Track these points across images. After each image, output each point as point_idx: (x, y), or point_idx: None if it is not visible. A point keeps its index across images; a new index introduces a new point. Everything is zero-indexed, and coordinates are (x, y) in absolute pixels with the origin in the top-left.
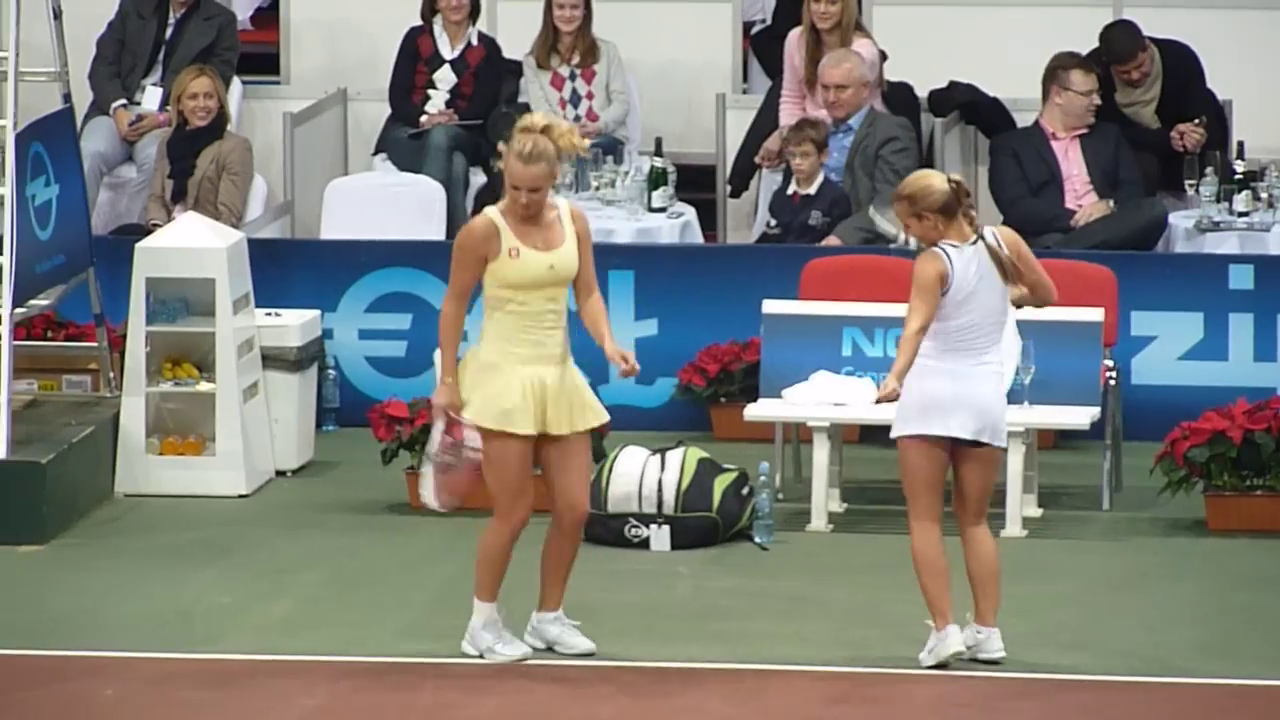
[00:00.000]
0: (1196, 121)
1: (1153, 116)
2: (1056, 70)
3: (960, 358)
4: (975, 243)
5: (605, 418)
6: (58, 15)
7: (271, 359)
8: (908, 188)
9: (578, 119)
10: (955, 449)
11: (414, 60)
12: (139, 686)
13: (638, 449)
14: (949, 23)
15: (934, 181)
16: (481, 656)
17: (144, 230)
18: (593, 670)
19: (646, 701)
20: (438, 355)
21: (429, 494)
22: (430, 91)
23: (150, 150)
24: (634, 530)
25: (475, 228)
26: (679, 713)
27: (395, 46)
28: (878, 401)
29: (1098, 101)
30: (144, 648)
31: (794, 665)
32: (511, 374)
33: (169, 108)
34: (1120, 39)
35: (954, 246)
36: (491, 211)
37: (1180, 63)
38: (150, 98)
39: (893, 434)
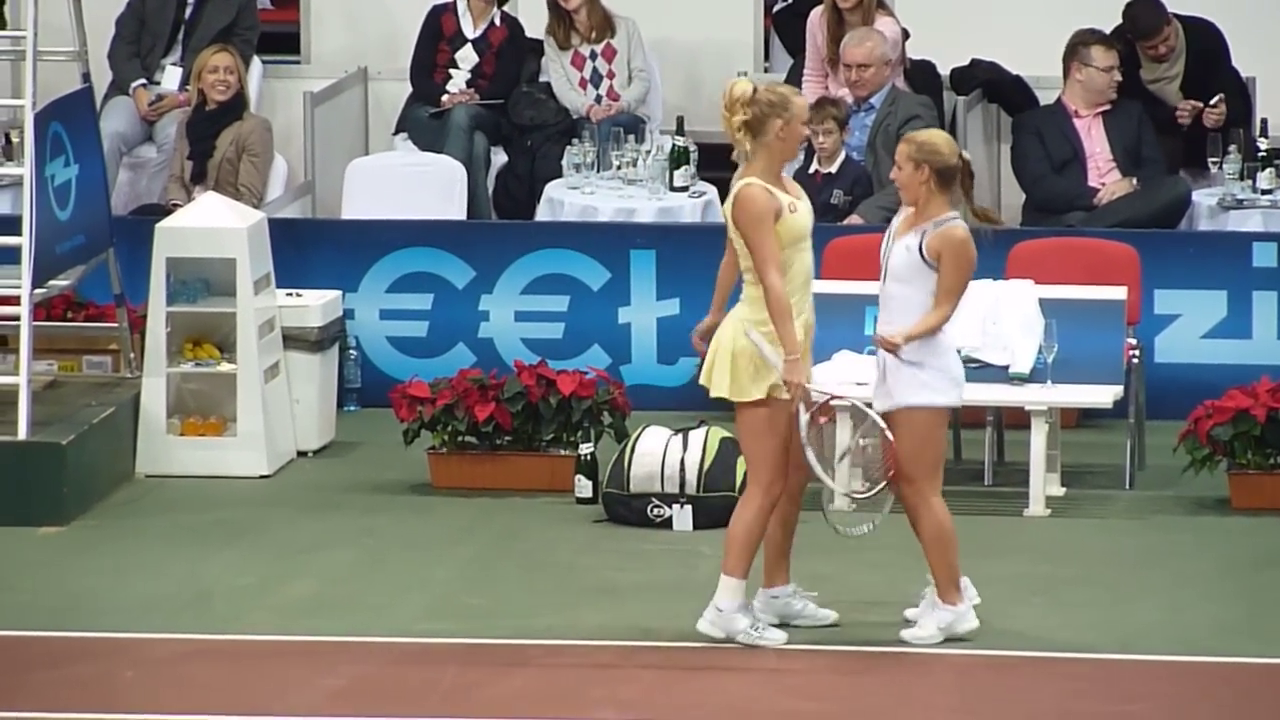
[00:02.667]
0: (1214, 101)
1: (1178, 93)
2: (1077, 47)
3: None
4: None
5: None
6: None
7: (293, 339)
8: (921, 134)
9: (599, 98)
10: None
11: (436, 39)
12: (159, 667)
13: (660, 429)
14: (971, 0)
15: (946, 144)
16: (729, 640)
17: (164, 210)
18: (615, 650)
19: (669, 681)
20: (755, 335)
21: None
22: (452, 71)
23: (170, 130)
24: (656, 510)
25: (756, 194)
26: (701, 692)
27: (417, 25)
28: (877, 340)
29: (1119, 78)
30: (164, 629)
31: (815, 644)
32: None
33: (189, 87)
34: (1145, 13)
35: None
36: (752, 179)
37: (1204, 39)
38: (170, 77)
39: (918, 401)
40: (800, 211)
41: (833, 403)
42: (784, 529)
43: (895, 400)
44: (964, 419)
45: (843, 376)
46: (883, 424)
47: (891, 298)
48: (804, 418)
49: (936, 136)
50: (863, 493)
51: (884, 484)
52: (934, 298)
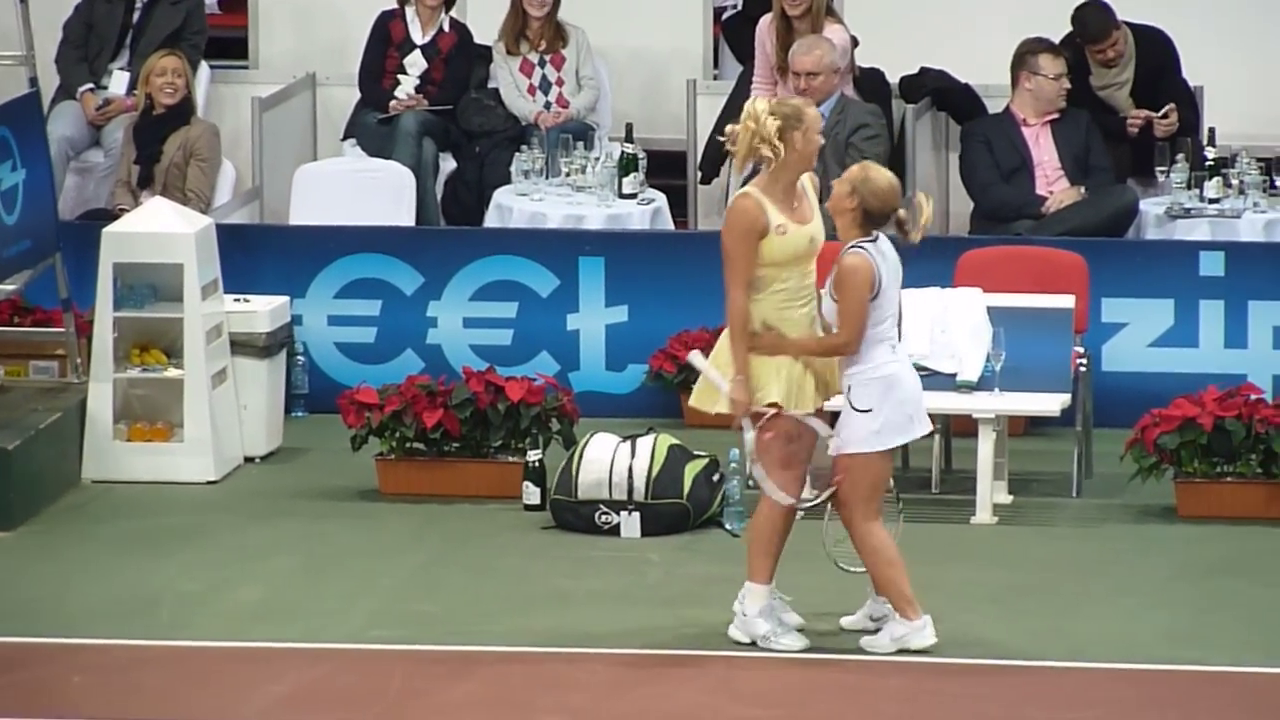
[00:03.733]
0: (1164, 111)
1: (1127, 100)
2: (1025, 56)
3: (900, 352)
4: (876, 239)
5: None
6: None
7: (240, 345)
8: (874, 170)
9: (548, 105)
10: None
11: (385, 45)
12: (106, 674)
13: (608, 436)
14: (920, 8)
15: (889, 190)
16: (754, 644)
17: (111, 215)
18: (564, 657)
19: (618, 689)
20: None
21: (778, 495)
22: (400, 77)
23: (117, 135)
24: (604, 517)
25: (748, 208)
26: (650, 700)
27: (366, 31)
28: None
29: (1067, 86)
30: (111, 634)
31: (764, 652)
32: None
33: (136, 92)
34: (1093, 18)
35: (871, 242)
36: (752, 191)
37: (1154, 47)
38: (117, 82)
39: (865, 450)
40: (791, 234)
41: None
42: (780, 532)
43: (843, 448)
44: None
45: None
46: (827, 432)
47: (828, 314)
48: (749, 434)
49: (883, 179)
50: (809, 502)
51: (830, 492)
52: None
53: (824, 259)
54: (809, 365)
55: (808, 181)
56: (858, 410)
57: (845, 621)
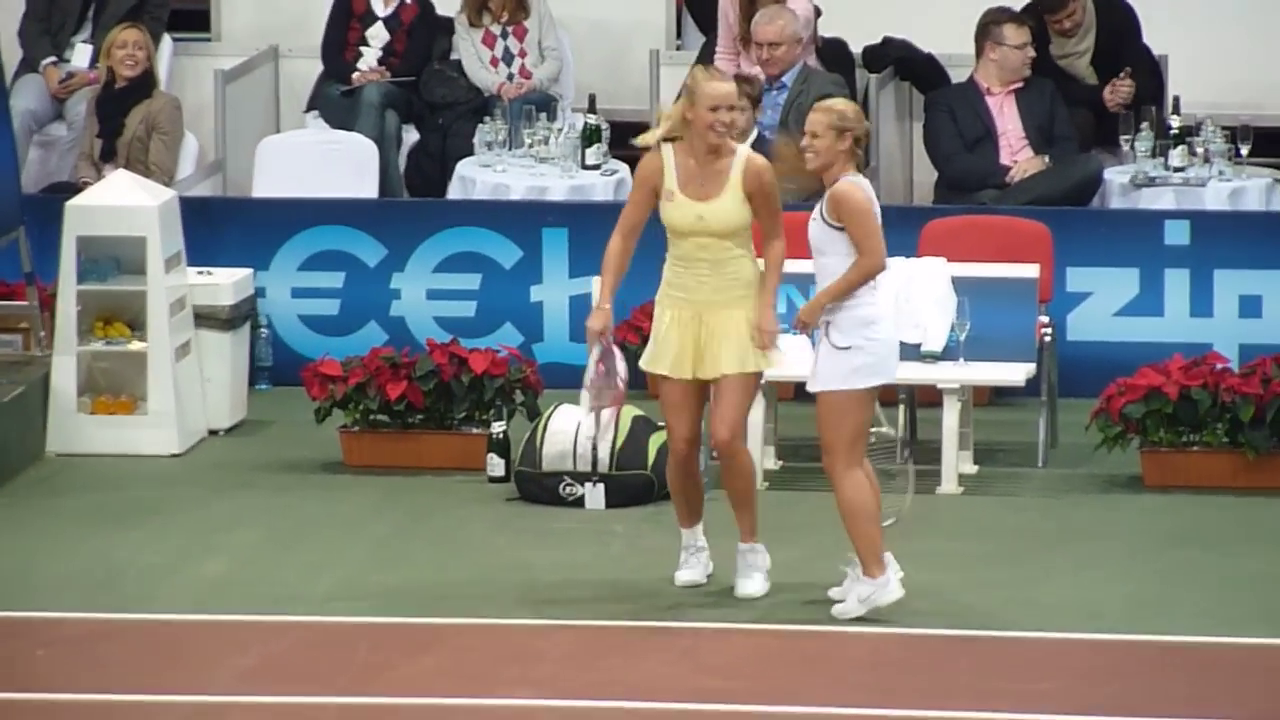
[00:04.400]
0: (1123, 75)
1: (1088, 69)
2: (989, 26)
3: (880, 293)
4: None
5: (757, 366)
6: None
7: (204, 318)
8: (837, 103)
9: (511, 77)
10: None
11: (347, 17)
12: (70, 647)
13: (572, 407)
14: None
15: (857, 112)
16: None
17: (74, 188)
18: (528, 629)
19: (582, 661)
20: (595, 281)
21: (584, 412)
22: (363, 49)
23: (81, 108)
24: (569, 488)
25: (648, 162)
26: (614, 671)
27: (328, 3)
28: (796, 324)
29: (1032, 54)
30: (75, 608)
31: (728, 623)
32: (665, 314)
33: (99, 65)
34: None
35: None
36: (667, 148)
37: (1114, 15)
38: (80, 55)
39: (848, 385)
40: (676, 203)
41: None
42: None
43: (820, 385)
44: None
45: None
46: (617, 355)
47: (819, 272)
48: (592, 359)
49: (849, 105)
50: (589, 407)
51: (608, 408)
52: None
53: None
54: (687, 335)
55: (741, 164)
56: (837, 348)
57: (834, 593)
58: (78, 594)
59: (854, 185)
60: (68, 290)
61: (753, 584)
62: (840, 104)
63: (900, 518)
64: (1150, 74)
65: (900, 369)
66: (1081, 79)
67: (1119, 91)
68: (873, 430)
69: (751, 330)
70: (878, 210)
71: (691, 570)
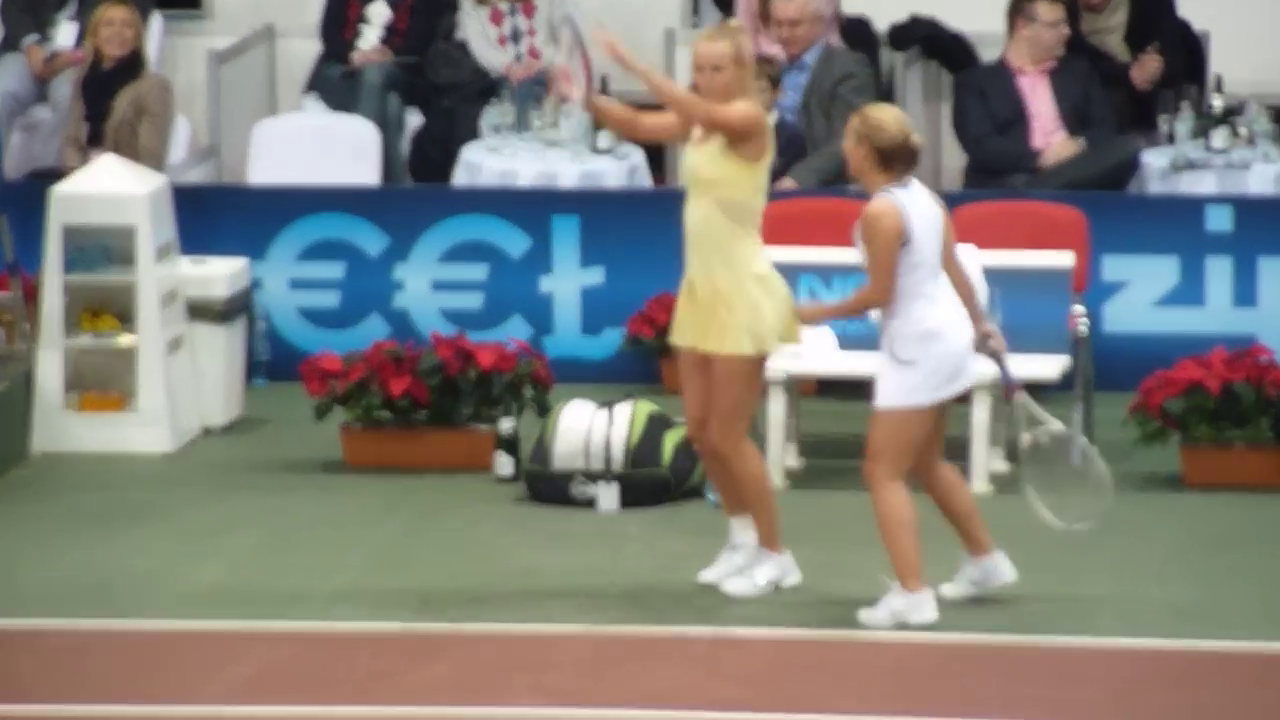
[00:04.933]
0: (1149, 49)
1: (1120, 45)
2: (1022, 3)
3: (952, 303)
4: (907, 185)
5: (722, 348)
6: None
7: (197, 310)
8: (872, 110)
9: (519, 57)
10: None
11: None
12: (57, 657)
13: (584, 403)
14: None
15: (893, 122)
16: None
17: (60, 174)
18: (538, 636)
19: (596, 669)
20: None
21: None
22: (363, 27)
23: (66, 90)
24: (581, 488)
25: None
26: (629, 679)
27: None
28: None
29: (1066, 32)
30: (62, 615)
31: (748, 628)
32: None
33: (85, 44)
34: None
35: (901, 188)
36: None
37: None
38: (65, 33)
39: (897, 404)
40: (687, 147)
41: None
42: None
43: (881, 401)
44: None
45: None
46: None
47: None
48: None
49: (885, 114)
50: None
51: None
52: None
53: (786, 214)
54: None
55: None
56: (899, 361)
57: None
58: (65, 601)
59: (882, 208)
60: (53, 281)
61: (736, 583)
62: (873, 111)
63: (1097, 517)
64: (1186, 50)
65: None
66: (1114, 56)
67: (1147, 67)
68: (1041, 430)
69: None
70: (913, 231)
71: (714, 568)
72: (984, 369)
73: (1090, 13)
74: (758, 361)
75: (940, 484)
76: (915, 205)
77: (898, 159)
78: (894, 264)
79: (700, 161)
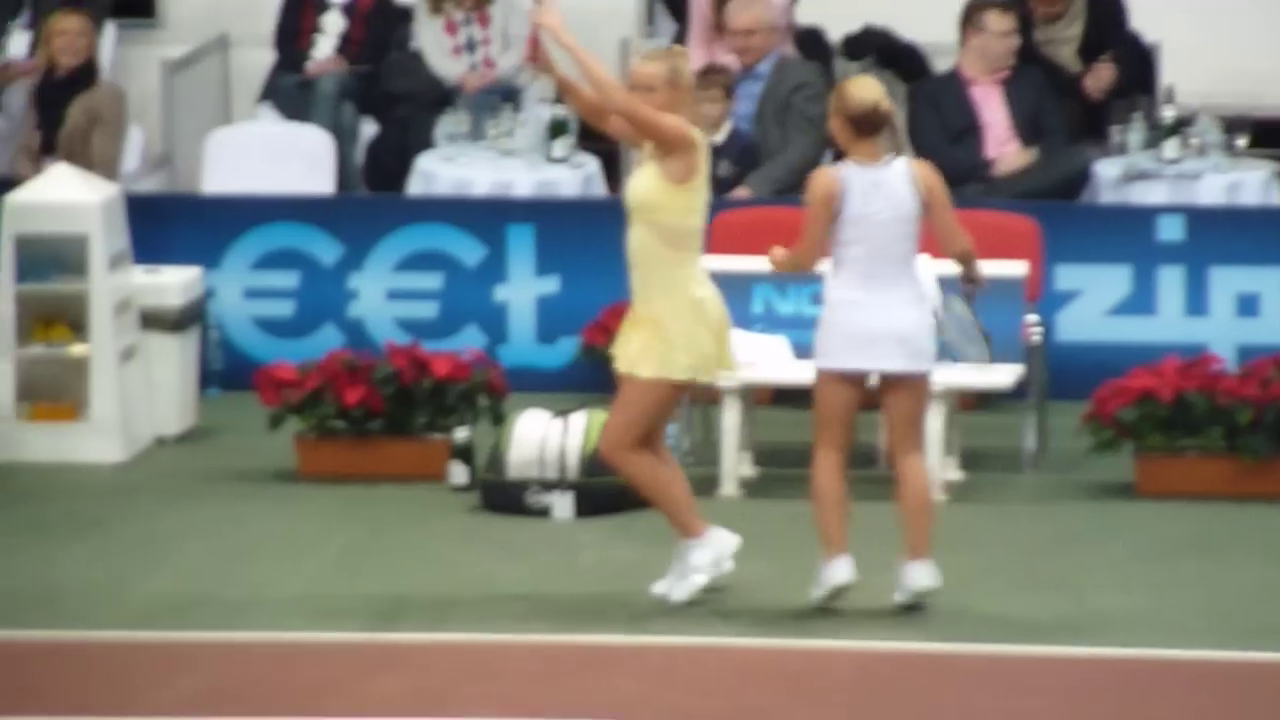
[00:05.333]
0: (1103, 58)
1: (1073, 57)
2: (972, 12)
3: (878, 288)
4: (887, 163)
5: (633, 371)
6: None
7: (150, 319)
8: (842, 87)
9: (474, 66)
10: (883, 380)
11: (301, 3)
12: (6, 668)
13: (539, 412)
14: None
15: (856, 90)
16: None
17: (12, 183)
18: (492, 646)
19: (549, 679)
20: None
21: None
22: (318, 36)
23: (19, 99)
24: (536, 497)
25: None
26: (584, 689)
27: None
28: None
29: (1017, 42)
30: (11, 626)
31: (705, 638)
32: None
33: (38, 53)
34: None
35: (857, 165)
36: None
37: (1103, 2)
38: (18, 42)
39: (818, 363)
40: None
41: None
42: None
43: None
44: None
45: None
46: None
47: None
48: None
49: (855, 83)
50: None
51: None
52: None
53: (740, 223)
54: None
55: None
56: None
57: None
58: (15, 611)
59: (820, 174)
60: (5, 291)
61: (678, 589)
62: (846, 83)
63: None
64: (1137, 61)
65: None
66: (1066, 67)
67: (1102, 76)
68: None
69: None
70: (849, 207)
71: (665, 580)
72: (942, 377)
73: (1047, 23)
74: (675, 388)
75: (897, 477)
76: (867, 184)
77: (865, 125)
78: (817, 229)
79: (634, 185)
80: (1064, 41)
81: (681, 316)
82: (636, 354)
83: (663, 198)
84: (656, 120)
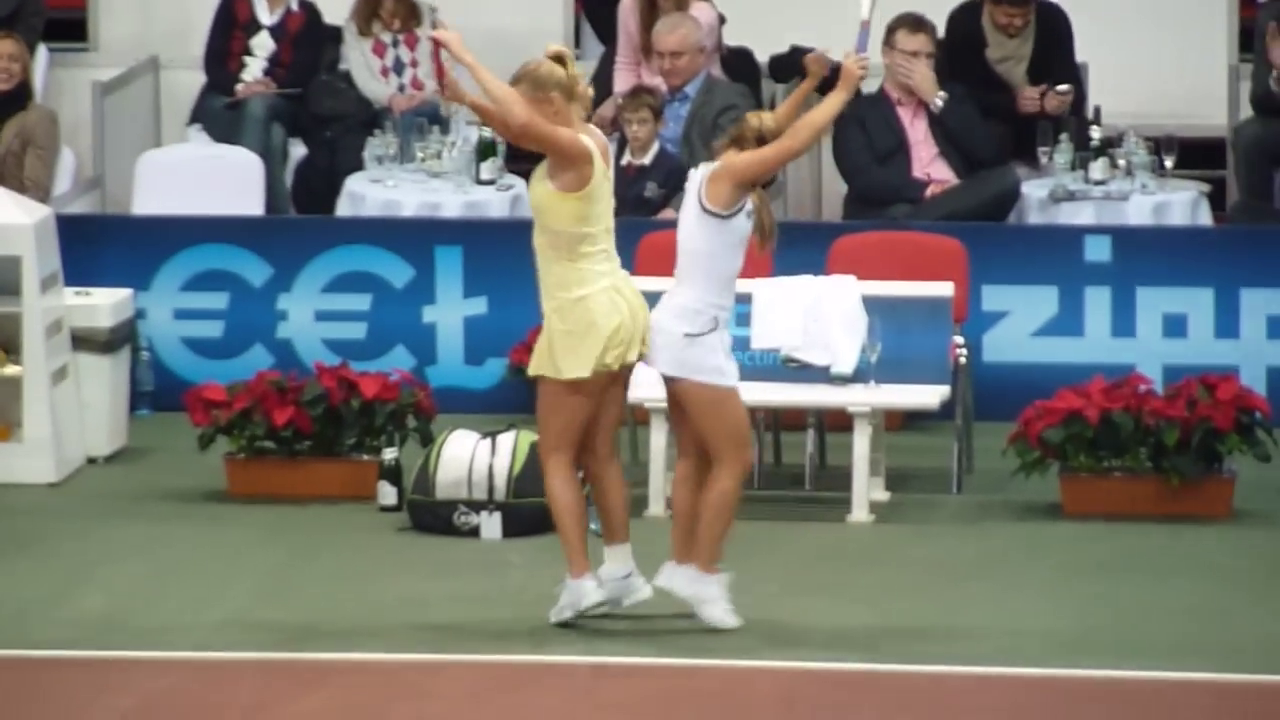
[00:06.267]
0: (1064, 89)
1: (1023, 77)
2: (888, 33)
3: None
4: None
5: (545, 371)
6: None
7: (82, 340)
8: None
9: (402, 88)
10: None
11: (230, 26)
12: None
13: (467, 433)
14: None
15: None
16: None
17: None
18: (421, 665)
19: (478, 698)
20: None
21: None
22: (247, 59)
23: None
24: (464, 518)
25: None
26: (511, 709)
27: (210, 12)
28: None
29: (924, 64)
30: None
31: (630, 658)
32: None
33: None
34: None
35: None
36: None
37: (1053, 23)
38: None
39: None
40: None
41: None
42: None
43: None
44: (784, 421)
45: (657, 378)
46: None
47: None
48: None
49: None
50: None
51: None
52: None
53: (667, 245)
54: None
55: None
56: None
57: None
58: None
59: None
60: None
61: (555, 611)
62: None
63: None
64: (1078, 85)
65: (808, 392)
66: (1015, 86)
67: (1051, 99)
68: None
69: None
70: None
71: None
72: (869, 397)
73: (1006, 37)
74: (566, 385)
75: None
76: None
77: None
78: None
79: (530, 190)
80: (1017, 60)
81: (566, 317)
82: (534, 357)
83: (551, 203)
84: (553, 135)
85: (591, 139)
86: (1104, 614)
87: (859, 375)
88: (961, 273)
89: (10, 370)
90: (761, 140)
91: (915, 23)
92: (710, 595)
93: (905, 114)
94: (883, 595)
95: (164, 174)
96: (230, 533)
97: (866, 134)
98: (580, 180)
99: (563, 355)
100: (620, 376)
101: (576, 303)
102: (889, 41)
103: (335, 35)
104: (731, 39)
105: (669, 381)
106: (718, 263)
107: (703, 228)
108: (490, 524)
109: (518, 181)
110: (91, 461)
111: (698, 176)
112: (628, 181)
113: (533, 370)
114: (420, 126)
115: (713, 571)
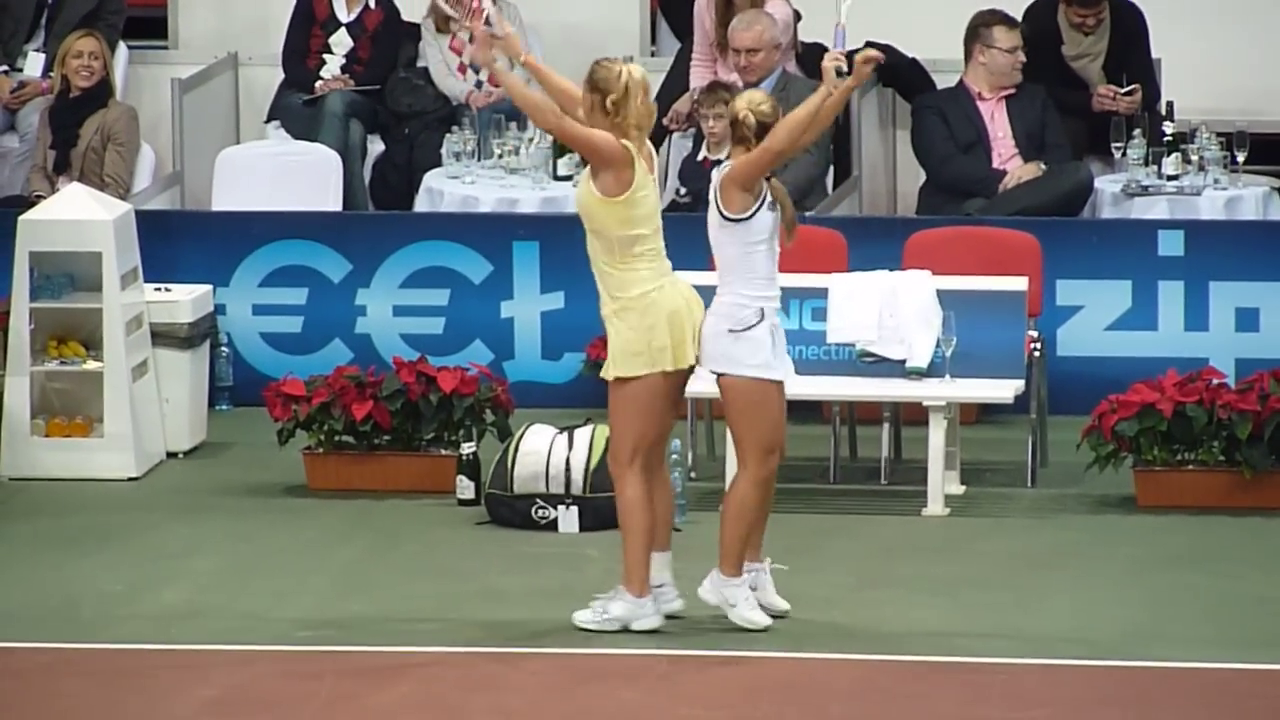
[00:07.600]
0: (1130, 89)
1: (1099, 74)
2: (979, 28)
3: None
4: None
5: (621, 372)
6: None
7: (161, 336)
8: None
9: (479, 84)
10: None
11: (309, 23)
12: (23, 680)
13: (544, 427)
14: None
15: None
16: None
17: (27, 202)
18: (499, 658)
19: (556, 690)
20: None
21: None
22: (326, 56)
23: (33, 119)
24: (541, 511)
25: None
26: (589, 701)
27: (288, 9)
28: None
29: (1023, 59)
30: (29, 638)
31: (708, 650)
32: None
33: (52, 74)
34: None
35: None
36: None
37: (1129, 20)
38: (33, 64)
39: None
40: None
41: None
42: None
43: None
44: (860, 415)
45: None
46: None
47: None
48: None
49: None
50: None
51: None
52: None
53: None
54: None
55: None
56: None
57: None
58: (30, 623)
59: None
60: (20, 308)
61: (581, 614)
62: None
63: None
64: (1150, 83)
65: (884, 386)
66: (1091, 83)
67: (1121, 101)
68: None
69: None
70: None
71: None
72: (944, 391)
73: (1081, 35)
74: (636, 385)
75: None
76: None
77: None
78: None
79: (576, 194)
80: (1093, 57)
81: (626, 316)
82: (607, 363)
83: (595, 208)
84: (587, 136)
85: (633, 145)
86: (1178, 606)
87: (934, 369)
88: (1036, 267)
89: (91, 366)
90: (761, 128)
91: (1009, 19)
92: (735, 598)
93: (985, 108)
94: (957, 588)
95: (243, 170)
96: (309, 527)
97: (948, 125)
98: (620, 185)
99: (630, 356)
100: (677, 383)
101: (639, 299)
102: (982, 39)
103: (413, 32)
104: (807, 36)
105: (717, 379)
106: (751, 261)
107: (726, 233)
108: (567, 518)
109: None
110: (171, 456)
111: (714, 182)
112: (704, 176)
113: (605, 374)
114: (498, 123)
115: (735, 575)
